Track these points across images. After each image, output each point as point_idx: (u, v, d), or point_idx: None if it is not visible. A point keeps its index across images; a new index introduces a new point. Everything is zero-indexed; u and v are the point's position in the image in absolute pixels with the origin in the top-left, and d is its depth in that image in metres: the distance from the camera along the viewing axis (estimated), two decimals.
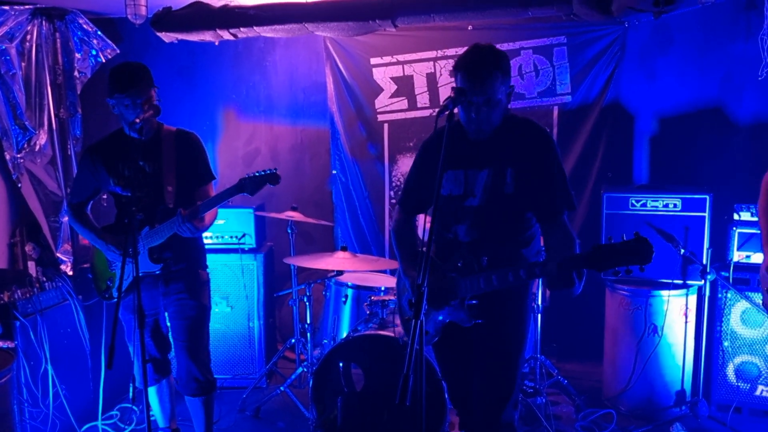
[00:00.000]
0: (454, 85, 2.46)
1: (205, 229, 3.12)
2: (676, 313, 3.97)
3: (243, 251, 4.46)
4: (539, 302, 4.11)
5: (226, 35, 4.27)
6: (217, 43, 4.53)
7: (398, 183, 5.01)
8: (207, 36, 4.29)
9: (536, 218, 2.55)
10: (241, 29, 4.17)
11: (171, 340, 3.30)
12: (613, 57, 4.58)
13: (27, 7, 4.16)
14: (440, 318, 2.57)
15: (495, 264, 2.45)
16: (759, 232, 3.82)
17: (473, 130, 2.47)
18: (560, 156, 2.55)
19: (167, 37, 4.38)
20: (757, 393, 3.91)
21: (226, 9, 4.19)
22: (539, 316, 4.13)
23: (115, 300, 2.66)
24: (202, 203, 3.00)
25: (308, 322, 4.12)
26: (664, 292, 3.96)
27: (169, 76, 5.16)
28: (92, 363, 3.90)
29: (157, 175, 3.06)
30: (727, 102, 4.58)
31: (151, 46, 4.90)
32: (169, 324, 3.28)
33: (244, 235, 4.48)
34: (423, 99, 4.87)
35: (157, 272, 3.09)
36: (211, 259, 4.36)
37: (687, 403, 4.01)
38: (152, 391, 3.35)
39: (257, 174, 2.95)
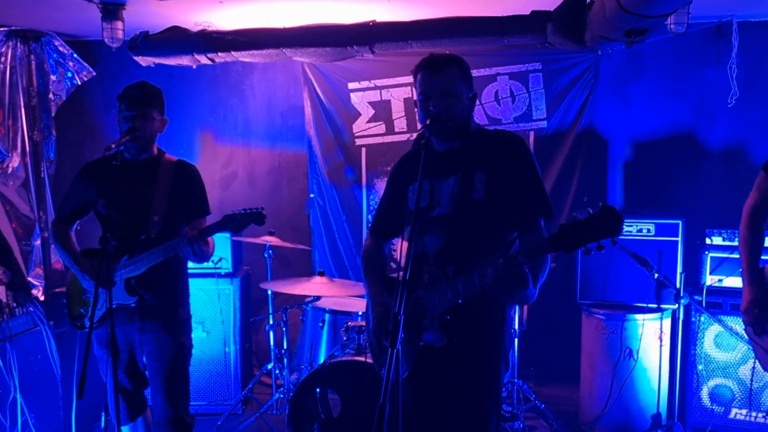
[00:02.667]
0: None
1: (210, 255, 3.02)
2: (651, 337, 4.00)
3: (219, 276, 4.41)
4: (516, 326, 4.12)
5: (203, 60, 4.27)
6: (194, 67, 4.53)
7: (376, 207, 5.01)
8: (184, 60, 4.28)
9: (512, 226, 2.39)
10: (219, 54, 4.17)
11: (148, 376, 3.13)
12: (587, 84, 4.66)
13: (2, 29, 4.13)
14: (414, 346, 2.44)
15: (463, 272, 2.28)
16: (731, 256, 3.91)
17: (436, 129, 2.32)
18: (537, 162, 2.41)
19: (144, 60, 4.37)
20: (731, 416, 3.94)
21: (203, 33, 4.19)
22: (516, 340, 4.13)
23: (87, 330, 2.58)
24: (204, 228, 2.90)
25: (285, 347, 4.07)
26: (639, 316, 3.99)
27: None
28: (63, 391, 3.81)
29: (146, 202, 2.98)
30: (699, 128, 4.68)
31: (128, 68, 4.88)
32: (145, 361, 3.11)
33: (220, 260, 4.44)
34: (401, 124, 4.90)
35: (132, 305, 2.95)
36: None
37: (663, 427, 4.03)
38: (126, 431, 3.17)
39: (243, 212, 2.84)
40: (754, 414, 3.84)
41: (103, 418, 2.62)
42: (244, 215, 2.83)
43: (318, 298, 4.09)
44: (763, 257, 2.77)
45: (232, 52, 4.15)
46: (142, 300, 2.97)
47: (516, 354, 4.16)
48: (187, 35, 4.21)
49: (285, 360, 4.09)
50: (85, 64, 4.58)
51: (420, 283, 2.37)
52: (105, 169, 2.99)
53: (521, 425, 3.97)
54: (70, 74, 4.58)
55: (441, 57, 2.40)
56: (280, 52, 4.12)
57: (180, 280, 3.13)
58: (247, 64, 5.06)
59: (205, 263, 4.29)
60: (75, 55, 4.53)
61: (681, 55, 4.64)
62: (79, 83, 4.58)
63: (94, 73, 4.65)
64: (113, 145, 2.79)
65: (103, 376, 3.03)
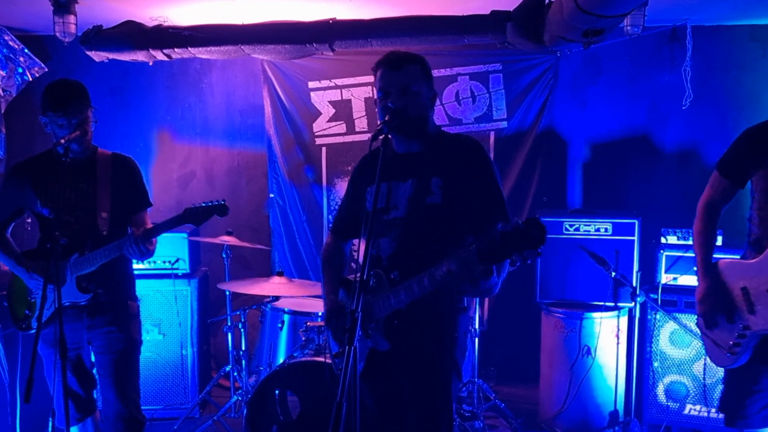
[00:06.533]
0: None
1: (152, 254, 2.96)
2: (609, 335, 4.05)
3: (176, 276, 4.33)
4: (476, 326, 4.13)
5: (159, 56, 4.18)
6: (151, 63, 4.44)
7: (336, 207, 4.98)
8: (139, 56, 4.19)
9: (467, 231, 2.31)
10: (176, 50, 4.09)
11: (96, 376, 3.08)
12: (546, 85, 4.70)
13: None
14: (364, 345, 2.42)
15: (407, 278, 2.26)
16: (686, 255, 3.99)
17: (395, 125, 2.27)
18: (496, 168, 2.40)
19: (98, 56, 4.27)
20: (686, 412, 4.01)
21: (159, 29, 4.11)
22: (477, 340, 4.15)
23: (34, 331, 2.50)
24: (155, 226, 2.86)
25: (243, 349, 4.01)
26: (597, 315, 4.04)
27: (101, 97, 5.01)
28: (10, 396, 3.68)
29: (91, 199, 2.91)
30: (654, 130, 4.77)
31: (82, 64, 4.76)
32: (94, 359, 3.06)
33: (177, 260, 4.36)
34: (361, 123, 4.88)
35: (83, 303, 2.90)
36: (142, 284, 4.23)
37: (620, 424, 4.08)
38: None
39: (204, 205, 2.83)
40: (706, 410, 3.92)
41: (50, 425, 2.52)
42: (206, 208, 2.82)
43: (277, 298, 4.04)
44: (716, 255, 2.83)
45: (189, 48, 4.07)
46: (96, 297, 2.91)
47: (476, 353, 4.17)
48: (142, 30, 4.12)
49: (243, 362, 4.02)
50: (37, 60, 4.45)
51: (368, 287, 2.32)
52: (40, 168, 2.93)
53: (481, 424, 3.98)
54: (20, 70, 4.45)
55: (402, 54, 2.39)
56: (238, 49, 4.06)
57: (127, 275, 3.08)
58: (206, 62, 4.99)
59: (164, 264, 4.31)
60: (26, 50, 4.40)
61: (637, 58, 4.72)
62: (30, 79, 4.45)
63: (46, 69, 4.52)
64: (63, 141, 2.71)
65: (48, 378, 2.95)
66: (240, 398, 4.09)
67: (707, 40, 4.55)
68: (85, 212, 2.90)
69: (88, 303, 2.91)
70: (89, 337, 2.99)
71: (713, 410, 3.89)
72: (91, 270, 2.88)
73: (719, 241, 3.92)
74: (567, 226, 4.15)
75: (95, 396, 3.15)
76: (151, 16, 4.19)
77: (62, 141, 2.72)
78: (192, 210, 2.82)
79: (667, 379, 4.04)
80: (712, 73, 4.60)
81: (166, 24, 4.16)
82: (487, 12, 3.84)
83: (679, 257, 4.00)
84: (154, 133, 5.19)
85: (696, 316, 2.80)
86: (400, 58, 2.37)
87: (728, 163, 2.73)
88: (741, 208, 2.74)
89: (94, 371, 3.08)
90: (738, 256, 2.77)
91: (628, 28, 3.76)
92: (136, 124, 5.16)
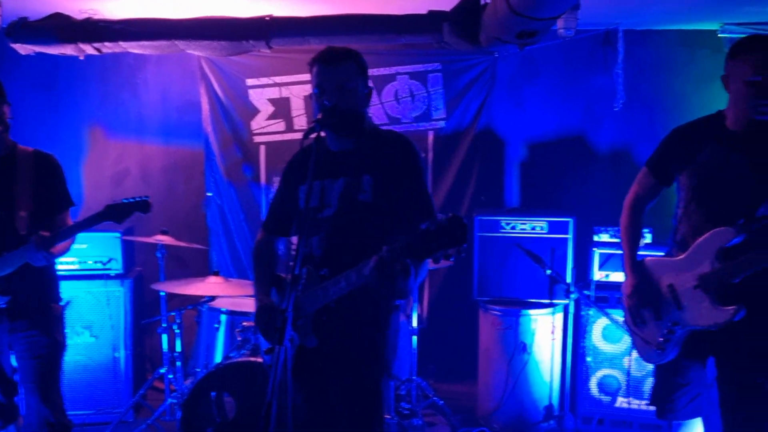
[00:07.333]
0: None
1: (58, 256, 2.89)
2: (544, 332, 4.13)
3: (109, 277, 4.22)
4: (415, 324, 4.15)
5: (89, 50, 4.05)
6: (82, 57, 4.29)
7: None
8: (68, 50, 4.05)
9: (395, 229, 2.36)
10: (106, 44, 3.97)
11: (17, 381, 2.98)
12: (484, 85, 4.76)
13: None
14: (293, 341, 2.41)
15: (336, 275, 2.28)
16: (617, 252, 4.09)
17: (328, 124, 2.27)
18: (424, 168, 2.44)
19: (24, 49, 4.10)
20: (617, 404, 4.12)
21: (89, 22, 3.98)
22: (415, 338, 4.17)
23: None
24: (62, 230, 2.79)
25: (178, 350, 3.93)
26: (533, 312, 4.11)
27: (29, 91, 4.84)
28: None
29: (9, 198, 2.81)
30: (589, 131, 4.88)
31: (8, 57, 4.55)
32: (15, 364, 2.95)
33: (110, 260, 4.24)
34: (300, 121, 4.84)
35: (2, 306, 2.80)
36: (73, 286, 4.14)
37: (555, 418, 4.16)
38: None
39: (125, 201, 2.77)
40: (636, 402, 4.04)
41: None
42: (127, 204, 2.76)
43: (213, 298, 3.97)
44: (642, 252, 2.91)
45: (121, 43, 3.96)
46: (15, 299, 2.81)
47: (415, 352, 4.19)
48: (70, 23, 3.98)
49: (179, 364, 3.94)
50: None
51: (300, 283, 2.32)
52: None
53: (420, 422, 4.00)
54: None
55: (338, 50, 2.38)
56: (172, 44, 3.97)
57: (49, 276, 2.99)
58: (141, 57, 4.86)
59: (95, 264, 4.19)
60: None
61: (571, 60, 4.82)
62: None
63: None
64: None
65: None
66: (175, 401, 4.00)
67: (638, 44, 4.68)
68: (4, 212, 2.80)
69: (7, 306, 2.82)
70: (10, 341, 2.89)
71: (643, 402, 4.02)
72: (9, 271, 2.78)
73: (649, 239, 4.06)
74: (504, 224, 4.21)
75: (17, 402, 3.03)
76: (81, 8, 4.05)
77: None
78: (112, 207, 2.75)
79: (599, 374, 4.14)
80: (643, 76, 4.73)
81: (96, 17, 4.02)
82: (425, 12, 3.86)
83: (612, 255, 4.10)
84: (85, 129, 5.03)
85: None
86: (336, 54, 2.36)
87: (656, 161, 2.82)
88: (671, 206, 2.82)
89: (16, 377, 2.97)
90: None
91: (562, 30, 3.83)
92: (67, 119, 4.99)
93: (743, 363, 2.57)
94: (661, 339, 2.68)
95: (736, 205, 2.53)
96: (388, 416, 3.70)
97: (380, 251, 2.08)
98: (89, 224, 2.78)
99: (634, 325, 2.79)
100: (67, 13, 4.05)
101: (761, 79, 2.42)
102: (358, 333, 2.38)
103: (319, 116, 2.27)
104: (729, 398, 2.61)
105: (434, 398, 4.22)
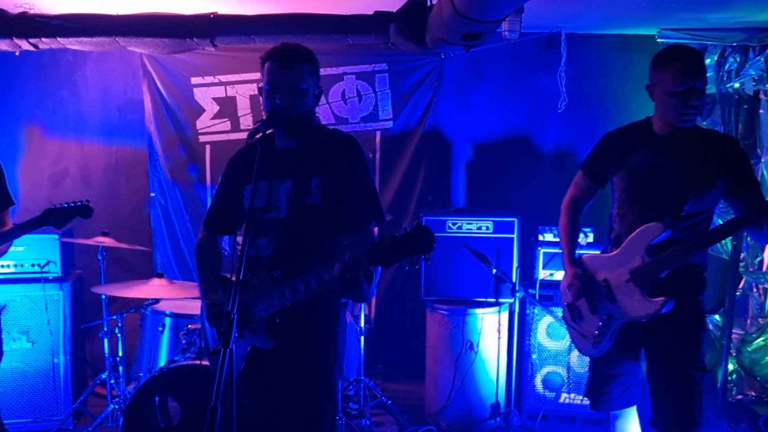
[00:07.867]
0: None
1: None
2: (490, 330, 4.18)
3: (47, 280, 4.09)
4: (362, 324, 4.15)
5: (25, 45, 3.91)
6: (17, 53, 4.14)
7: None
8: (2, 45, 3.89)
9: (343, 228, 2.39)
10: (43, 39, 3.83)
11: None
12: (431, 86, 4.80)
13: None
14: (244, 344, 2.41)
15: (292, 277, 2.28)
16: (561, 251, 4.18)
17: (273, 124, 2.25)
18: (371, 167, 2.46)
19: None
20: (561, 400, 4.22)
21: (24, 17, 3.83)
22: (363, 338, 4.17)
23: None
24: (24, 223, 2.70)
25: (120, 355, 3.83)
26: (479, 310, 4.16)
27: None
28: None
29: None
30: (534, 132, 4.97)
31: None
32: None
33: (48, 263, 4.11)
34: (247, 121, 4.78)
35: None
36: (8, 289, 4.01)
37: (501, 415, 4.23)
38: None
39: (65, 206, 2.70)
40: (579, 398, 4.14)
41: None
42: (67, 209, 2.70)
43: (157, 300, 3.89)
44: (583, 251, 3.02)
45: (59, 39, 3.83)
46: None
47: (363, 352, 4.19)
48: (5, 17, 3.82)
49: (121, 368, 3.85)
50: None
51: (250, 285, 2.33)
52: None
53: (368, 422, 4.00)
54: None
55: (293, 50, 2.36)
56: (112, 41, 3.86)
57: None
58: (80, 53, 4.72)
59: (32, 267, 4.05)
60: None
61: (517, 62, 4.90)
62: None
63: None
64: None
65: None
66: (117, 407, 3.91)
67: (580, 48, 4.79)
68: None
69: None
70: None
71: (585, 399, 4.11)
72: None
73: (591, 239, 4.17)
74: (450, 224, 4.25)
75: None
76: (16, 2, 3.91)
77: None
78: (52, 211, 2.68)
79: (544, 370, 4.23)
80: (584, 79, 4.85)
81: (32, 11, 3.88)
82: (371, 12, 3.87)
83: (555, 254, 4.19)
84: (22, 127, 4.85)
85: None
86: (292, 55, 2.34)
87: (590, 164, 2.94)
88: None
89: None
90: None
91: (506, 33, 3.89)
92: (2, 117, 4.81)
93: (670, 352, 2.69)
94: (597, 332, 2.79)
95: (666, 204, 2.66)
96: (337, 417, 3.69)
97: (343, 257, 2.10)
98: (27, 229, 2.70)
99: (572, 320, 2.90)
100: (1, 6, 3.90)
101: (683, 89, 2.54)
102: (310, 331, 2.38)
103: (264, 118, 2.25)
104: (658, 387, 2.73)
105: (382, 398, 4.23)
